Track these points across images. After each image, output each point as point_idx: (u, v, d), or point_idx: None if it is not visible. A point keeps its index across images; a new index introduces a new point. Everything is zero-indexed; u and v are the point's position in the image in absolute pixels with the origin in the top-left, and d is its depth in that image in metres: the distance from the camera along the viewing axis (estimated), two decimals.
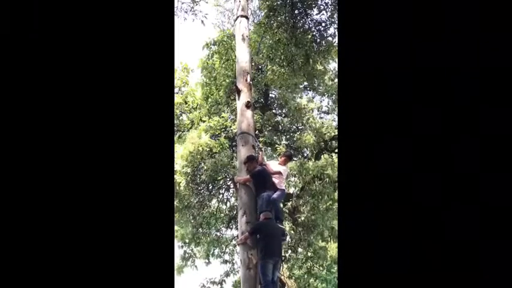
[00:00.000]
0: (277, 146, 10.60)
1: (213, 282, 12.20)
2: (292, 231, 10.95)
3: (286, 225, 10.85)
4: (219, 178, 11.08)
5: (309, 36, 9.73)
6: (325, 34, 9.83)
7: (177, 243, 12.19)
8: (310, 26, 9.87)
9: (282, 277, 11.19)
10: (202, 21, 9.97)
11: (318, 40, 9.87)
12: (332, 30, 9.80)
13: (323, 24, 9.79)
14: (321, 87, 12.34)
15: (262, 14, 10.58)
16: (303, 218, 10.73)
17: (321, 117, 12.05)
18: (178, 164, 10.31)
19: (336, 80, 11.96)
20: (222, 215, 11.66)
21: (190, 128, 11.27)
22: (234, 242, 11.63)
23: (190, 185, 10.77)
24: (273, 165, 7.59)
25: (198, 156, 10.32)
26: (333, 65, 12.06)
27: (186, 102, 11.52)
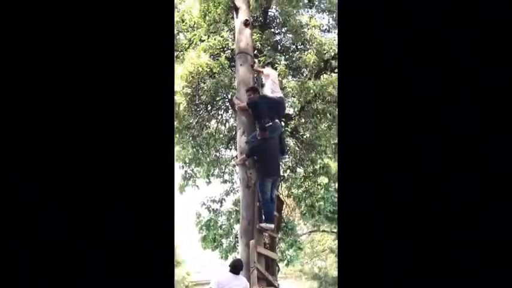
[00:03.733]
0: (277, 65, 10.42)
1: (213, 201, 12.46)
2: (296, 149, 11.06)
3: (290, 143, 10.96)
4: (218, 99, 11.01)
5: None
6: None
7: (177, 164, 12.31)
8: None
9: (281, 196, 11.46)
10: None
11: None
12: None
13: None
14: (322, 4, 11.92)
15: None
16: (308, 135, 10.74)
17: (321, 36, 11.73)
18: (178, 84, 10.18)
19: None
20: (221, 135, 11.70)
21: (188, 47, 11.03)
22: (233, 162, 11.76)
23: (189, 105, 10.72)
24: (273, 74, 7.45)
25: (197, 77, 10.18)
26: None
27: (183, 21, 11.18)
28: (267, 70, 7.47)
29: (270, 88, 7.26)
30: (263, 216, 6.67)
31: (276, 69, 10.22)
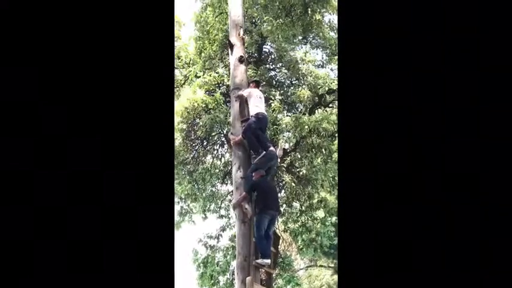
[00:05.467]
0: (271, 101, 10.51)
1: (210, 237, 12.38)
2: (292, 184, 11.01)
3: (286, 178, 10.92)
4: (213, 134, 11.07)
5: None
6: None
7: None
8: None
9: (277, 230, 11.36)
10: None
11: None
12: None
13: None
14: (316, 40, 12.12)
15: None
16: (304, 170, 10.71)
17: (316, 69, 11.88)
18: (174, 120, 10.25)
19: (332, 34, 11.76)
20: (217, 170, 11.70)
21: (184, 83, 11.16)
22: (229, 197, 11.72)
23: (185, 141, 10.78)
24: (253, 91, 7.38)
25: (192, 113, 10.27)
26: (328, 17, 11.84)
27: (178, 58, 11.34)
28: (247, 90, 7.42)
29: (254, 104, 7.19)
30: (259, 252, 6.59)
31: (270, 105, 10.29)
